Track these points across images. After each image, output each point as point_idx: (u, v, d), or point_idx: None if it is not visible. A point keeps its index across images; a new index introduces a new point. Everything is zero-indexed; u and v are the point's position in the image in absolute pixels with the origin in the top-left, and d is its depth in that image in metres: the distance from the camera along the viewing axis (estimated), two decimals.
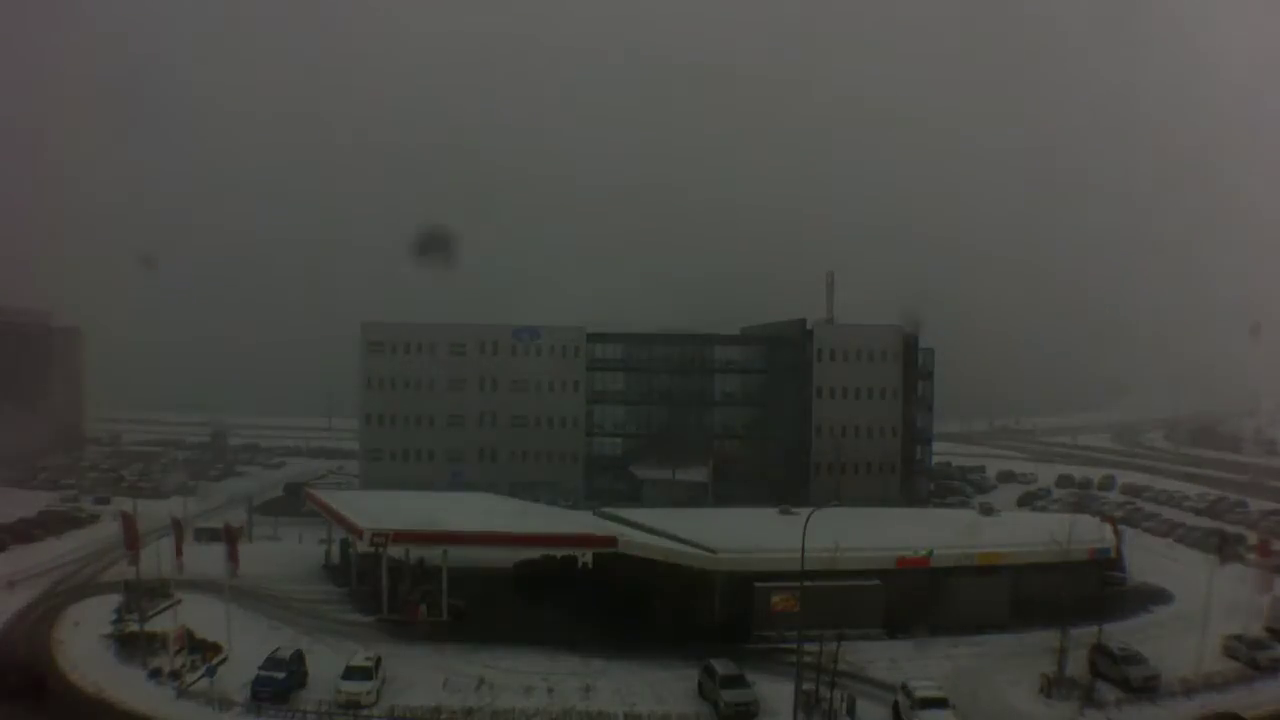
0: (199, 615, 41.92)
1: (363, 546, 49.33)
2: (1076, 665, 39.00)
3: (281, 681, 35.95)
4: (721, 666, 37.33)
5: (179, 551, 50.74)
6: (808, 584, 37.87)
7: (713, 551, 45.89)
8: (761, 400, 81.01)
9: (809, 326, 78.48)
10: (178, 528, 51.68)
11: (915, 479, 78.54)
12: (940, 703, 34.38)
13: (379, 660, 37.87)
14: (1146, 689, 37.80)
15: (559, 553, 51.31)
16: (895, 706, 35.58)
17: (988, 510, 63.24)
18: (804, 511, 38.35)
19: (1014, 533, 52.79)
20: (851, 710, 35.22)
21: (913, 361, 77.82)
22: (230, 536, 50.23)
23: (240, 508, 67.25)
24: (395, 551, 47.78)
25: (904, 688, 35.53)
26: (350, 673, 36.65)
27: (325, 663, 38.37)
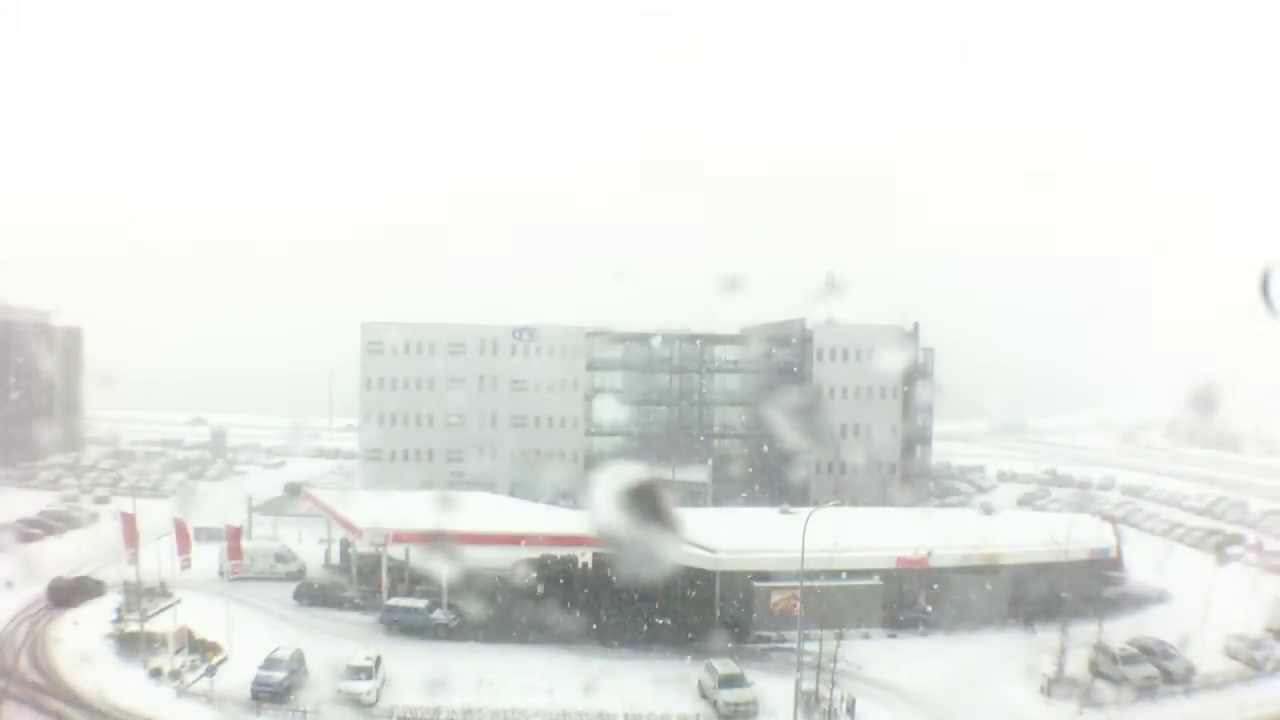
0: (199, 615, 41.95)
1: (362, 546, 49.40)
2: (1077, 665, 39.02)
3: (281, 681, 35.99)
4: (721, 666, 37.42)
5: (182, 551, 50.69)
6: (808, 584, 37.90)
7: (713, 551, 45.89)
8: (761, 400, 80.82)
9: (809, 326, 78.46)
10: (181, 527, 51.60)
11: (915, 479, 78.42)
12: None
13: (379, 660, 37.90)
14: (1146, 689, 37.86)
15: (559, 553, 51.26)
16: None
17: (988, 510, 63.16)
18: (804, 511, 38.36)
19: (1014, 533, 52.74)
20: (851, 710, 35.25)
21: (912, 361, 77.71)
22: (230, 536, 50.17)
23: (240, 507, 67.12)
24: (395, 551, 47.81)
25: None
26: (350, 673, 36.73)
27: (325, 663, 38.34)
